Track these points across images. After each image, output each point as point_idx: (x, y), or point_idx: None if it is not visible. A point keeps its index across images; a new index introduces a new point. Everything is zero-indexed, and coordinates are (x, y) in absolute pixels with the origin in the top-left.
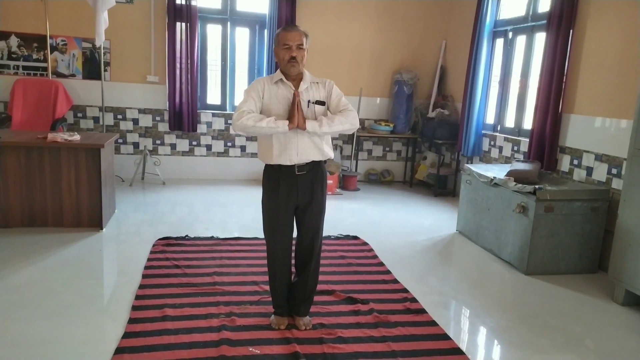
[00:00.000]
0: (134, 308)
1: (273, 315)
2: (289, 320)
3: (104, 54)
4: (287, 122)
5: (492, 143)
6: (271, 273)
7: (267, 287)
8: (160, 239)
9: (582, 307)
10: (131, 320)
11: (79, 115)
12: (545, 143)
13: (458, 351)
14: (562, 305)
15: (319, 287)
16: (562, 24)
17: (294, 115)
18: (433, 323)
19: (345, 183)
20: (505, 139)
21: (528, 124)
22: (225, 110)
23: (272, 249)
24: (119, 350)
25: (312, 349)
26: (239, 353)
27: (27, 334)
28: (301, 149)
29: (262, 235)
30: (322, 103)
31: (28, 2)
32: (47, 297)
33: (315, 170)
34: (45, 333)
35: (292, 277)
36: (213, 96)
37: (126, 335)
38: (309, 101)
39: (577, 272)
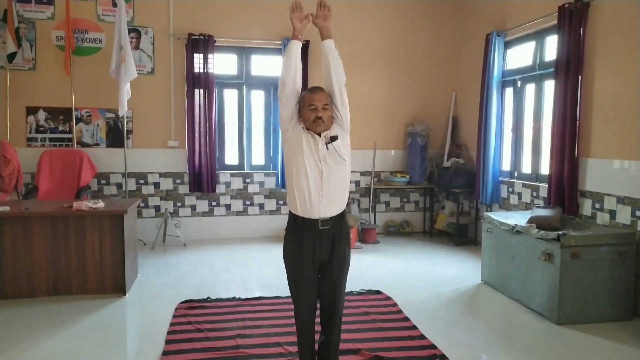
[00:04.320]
0: None
1: None
2: None
3: (127, 122)
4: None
5: (510, 189)
6: (298, 332)
7: (291, 349)
8: (182, 302)
9: (619, 357)
10: None
11: (103, 182)
12: (565, 188)
13: None
14: (598, 356)
15: (344, 346)
16: (570, 70)
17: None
18: None
19: (365, 236)
20: (524, 185)
21: (545, 169)
22: (243, 169)
23: (298, 307)
24: None
25: None
26: None
27: None
28: (326, 197)
29: (283, 294)
30: (335, 138)
31: (56, 78)
32: None
33: (338, 225)
34: None
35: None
36: (231, 156)
37: None
38: (326, 143)
39: (610, 320)
